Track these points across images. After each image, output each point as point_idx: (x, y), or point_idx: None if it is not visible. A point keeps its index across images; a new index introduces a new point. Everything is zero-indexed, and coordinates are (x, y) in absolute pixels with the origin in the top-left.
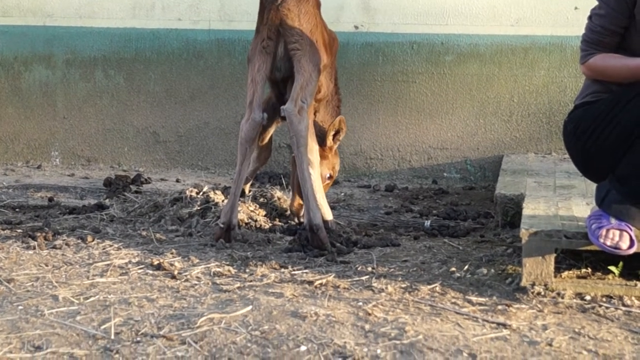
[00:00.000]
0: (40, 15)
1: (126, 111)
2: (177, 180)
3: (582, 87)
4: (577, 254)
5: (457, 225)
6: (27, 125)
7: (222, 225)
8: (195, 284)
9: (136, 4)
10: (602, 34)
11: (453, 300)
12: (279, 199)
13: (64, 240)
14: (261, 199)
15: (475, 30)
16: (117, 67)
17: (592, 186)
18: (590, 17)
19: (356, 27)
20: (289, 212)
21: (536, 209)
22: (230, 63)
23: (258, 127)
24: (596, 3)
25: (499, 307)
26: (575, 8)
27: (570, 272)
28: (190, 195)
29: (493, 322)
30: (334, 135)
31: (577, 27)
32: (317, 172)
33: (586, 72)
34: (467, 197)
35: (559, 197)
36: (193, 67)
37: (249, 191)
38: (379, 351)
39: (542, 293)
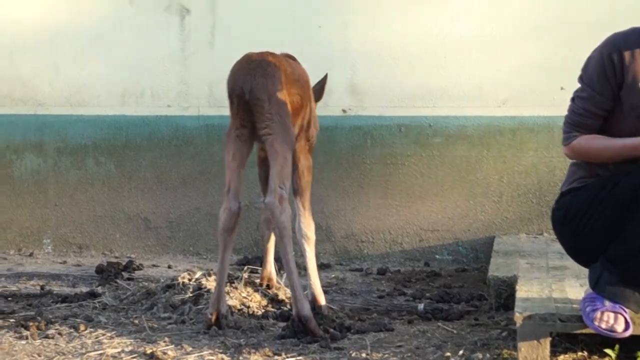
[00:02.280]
0: (31, 103)
1: (117, 198)
2: (169, 267)
3: (568, 174)
4: (572, 336)
5: (451, 308)
6: (18, 213)
7: (210, 315)
8: None
9: (125, 92)
10: (585, 117)
11: None
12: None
13: (57, 329)
14: (253, 284)
15: (463, 112)
16: (108, 154)
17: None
18: (573, 99)
19: (344, 111)
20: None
21: (530, 292)
22: (220, 148)
23: (235, 216)
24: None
25: None
26: (562, 88)
27: (567, 355)
28: (183, 282)
29: None
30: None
31: (564, 107)
32: (313, 249)
33: (569, 154)
34: (459, 279)
35: (552, 279)
36: (183, 153)
37: (244, 276)
38: None
39: None
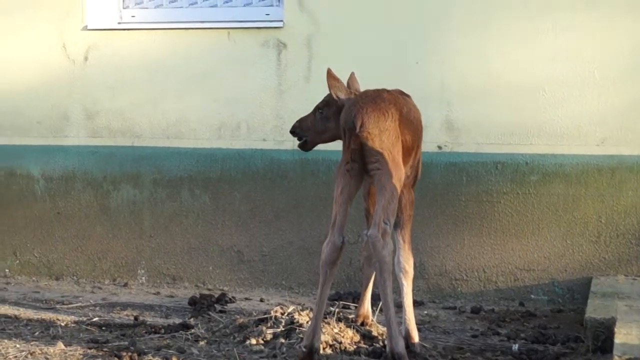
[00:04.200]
0: (129, 135)
1: (211, 230)
2: (261, 300)
3: None
4: None
5: (546, 349)
6: (114, 243)
7: (304, 349)
8: None
9: (222, 125)
10: None
11: None
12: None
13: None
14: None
15: (561, 150)
16: (203, 186)
17: None
18: None
19: (440, 147)
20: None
21: (628, 334)
22: (314, 183)
23: (338, 250)
24: None
25: None
26: None
27: None
28: (275, 316)
29: None
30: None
31: None
32: (411, 284)
33: None
34: (555, 320)
35: None
36: (277, 186)
37: (337, 311)
38: None
39: None
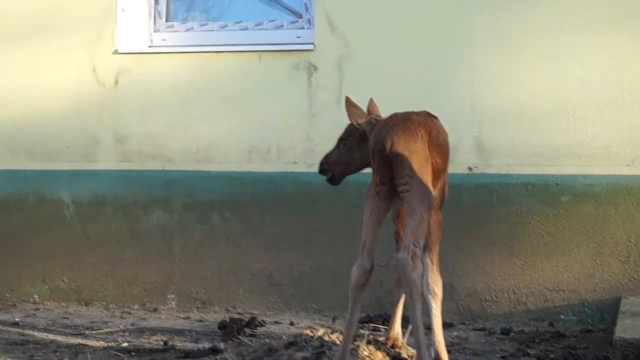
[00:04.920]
0: (159, 159)
1: (241, 254)
2: (292, 323)
3: None
4: None
5: None
6: (144, 268)
7: None
8: None
9: (252, 148)
10: None
11: None
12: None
13: None
14: (376, 342)
15: (591, 171)
16: (233, 210)
17: None
18: None
19: (470, 169)
20: (403, 354)
21: None
22: (345, 205)
23: (367, 274)
24: None
25: None
26: None
27: None
28: (305, 339)
29: None
30: None
31: None
32: (440, 306)
33: None
34: (585, 340)
35: None
36: (308, 209)
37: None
38: None
39: None
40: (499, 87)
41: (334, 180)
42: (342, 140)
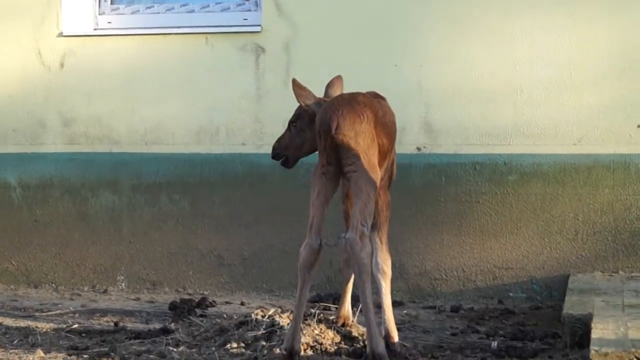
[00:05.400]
0: (106, 142)
1: (191, 235)
2: (242, 304)
3: None
4: None
5: (525, 346)
6: (93, 250)
7: (284, 351)
8: None
9: (200, 130)
10: None
11: None
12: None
13: None
14: (326, 321)
15: (538, 150)
16: (182, 191)
17: None
18: None
19: (418, 149)
20: (354, 333)
21: (605, 329)
22: (294, 186)
23: (316, 253)
24: None
25: None
26: (638, 126)
27: None
28: (256, 319)
29: None
30: None
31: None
32: (389, 285)
33: None
34: (533, 317)
35: (628, 317)
36: (257, 190)
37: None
38: None
39: None
40: (447, 68)
41: (287, 164)
42: (292, 122)
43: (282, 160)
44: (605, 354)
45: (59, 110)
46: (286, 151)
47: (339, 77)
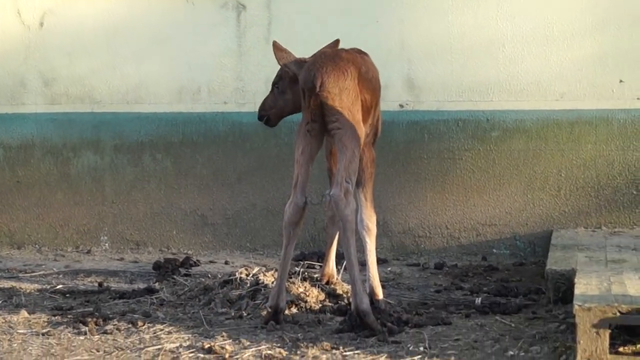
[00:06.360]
0: (88, 102)
1: (174, 195)
2: (226, 262)
3: None
4: (631, 329)
5: (509, 302)
6: (76, 210)
7: (269, 309)
8: None
9: (182, 89)
10: None
11: None
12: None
13: (115, 325)
14: (311, 279)
15: (521, 106)
16: (165, 151)
17: None
18: None
19: (401, 106)
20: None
21: (588, 284)
22: (277, 144)
23: (301, 211)
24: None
25: None
26: (620, 81)
27: (626, 347)
28: (240, 277)
29: None
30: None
31: (622, 100)
32: (374, 242)
33: None
34: (517, 274)
35: (611, 272)
36: (239, 149)
37: (302, 271)
38: None
39: None
40: (428, 23)
41: (269, 122)
42: (274, 84)
43: (265, 120)
44: (589, 309)
45: (39, 70)
46: (270, 111)
47: (337, 42)
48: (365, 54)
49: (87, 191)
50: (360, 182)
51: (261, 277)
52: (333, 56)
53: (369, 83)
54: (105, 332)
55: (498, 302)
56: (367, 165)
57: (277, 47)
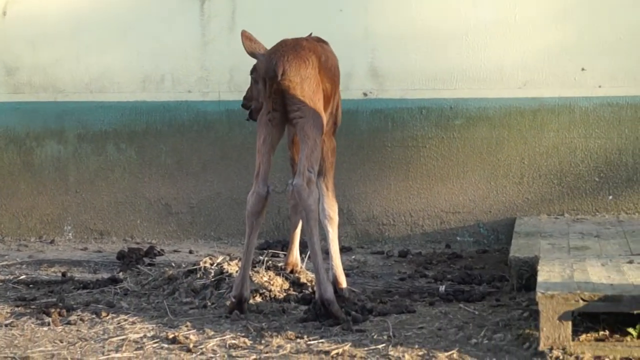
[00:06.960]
0: (51, 91)
1: (138, 184)
2: (190, 252)
3: None
4: (594, 316)
5: (472, 289)
6: (39, 200)
7: (234, 299)
8: (211, 357)
9: (146, 78)
10: None
11: None
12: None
13: (79, 315)
14: (275, 268)
15: (484, 94)
16: (129, 140)
17: (607, 247)
18: None
19: (365, 94)
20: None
21: (551, 272)
22: (241, 133)
23: (263, 200)
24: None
25: None
26: (583, 69)
27: (588, 334)
28: (204, 267)
29: None
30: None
31: (584, 88)
32: (336, 230)
33: None
34: (481, 261)
35: (574, 259)
36: (204, 138)
37: (266, 260)
38: None
39: (561, 357)
40: (392, 12)
41: (251, 115)
42: (250, 74)
43: (249, 113)
44: (552, 296)
45: (2, 59)
46: (251, 102)
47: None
48: (325, 42)
49: (50, 181)
50: (321, 172)
51: (225, 266)
52: (294, 45)
53: (329, 72)
54: (68, 323)
55: (462, 289)
56: (327, 154)
57: (245, 37)
